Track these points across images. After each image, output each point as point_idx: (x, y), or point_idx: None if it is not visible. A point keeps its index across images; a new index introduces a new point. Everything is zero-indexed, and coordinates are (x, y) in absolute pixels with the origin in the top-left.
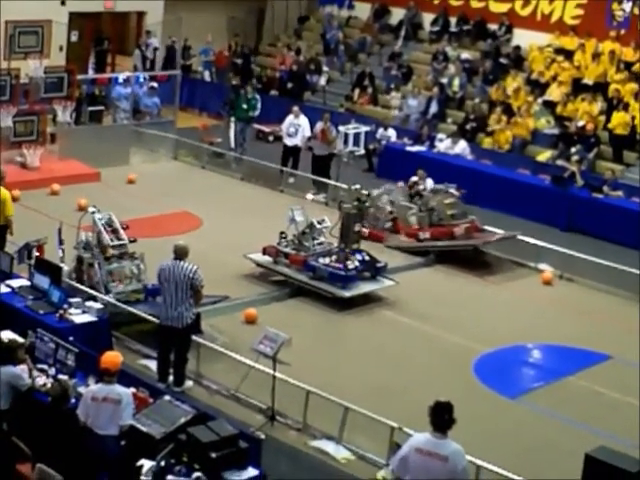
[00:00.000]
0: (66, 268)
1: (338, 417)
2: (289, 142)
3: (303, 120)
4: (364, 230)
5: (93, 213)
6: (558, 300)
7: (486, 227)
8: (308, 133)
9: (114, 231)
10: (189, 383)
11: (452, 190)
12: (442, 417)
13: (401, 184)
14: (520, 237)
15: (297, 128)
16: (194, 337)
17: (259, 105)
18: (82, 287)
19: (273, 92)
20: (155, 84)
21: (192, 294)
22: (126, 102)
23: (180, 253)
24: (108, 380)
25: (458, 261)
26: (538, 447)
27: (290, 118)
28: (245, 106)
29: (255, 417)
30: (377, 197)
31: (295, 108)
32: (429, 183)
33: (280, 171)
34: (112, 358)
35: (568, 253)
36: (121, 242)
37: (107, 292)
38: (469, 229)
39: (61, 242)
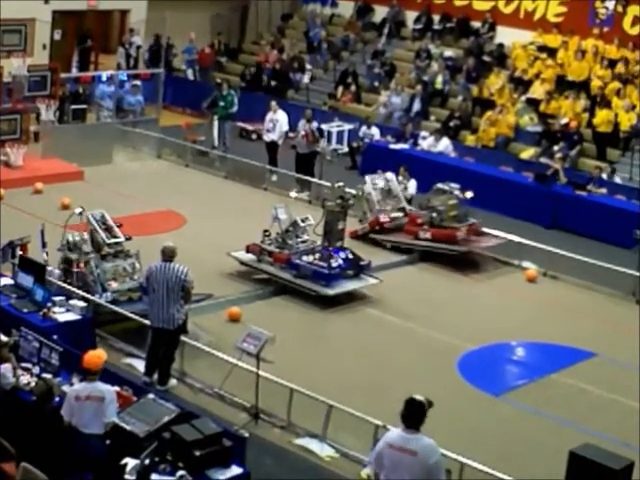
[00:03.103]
0: (56, 271)
1: (322, 415)
2: (267, 138)
3: (281, 115)
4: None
5: (80, 214)
6: (542, 298)
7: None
8: (285, 128)
9: (108, 229)
10: (173, 382)
11: (456, 191)
12: (412, 414)
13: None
14: (503, 235)
15: (275, 123)
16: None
17: (236, 101)
18: (75, 290)
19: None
20: (138, 82)
21: (182, 295)
22: (109, 100)
23: (170, 254)
24: (91, 378)
25: (442, 259)
26: (522, 445)
27: (269, 114)
28: (222, 103)
29: (239, 415)
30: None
31: (273, 103)
32: (412, 184)
33: (269, 170)
34: (93, 357)
35: (552, 251)
36: (117, 240)
37: (104, 291)
38: (469, 232)
39: (44, 244)
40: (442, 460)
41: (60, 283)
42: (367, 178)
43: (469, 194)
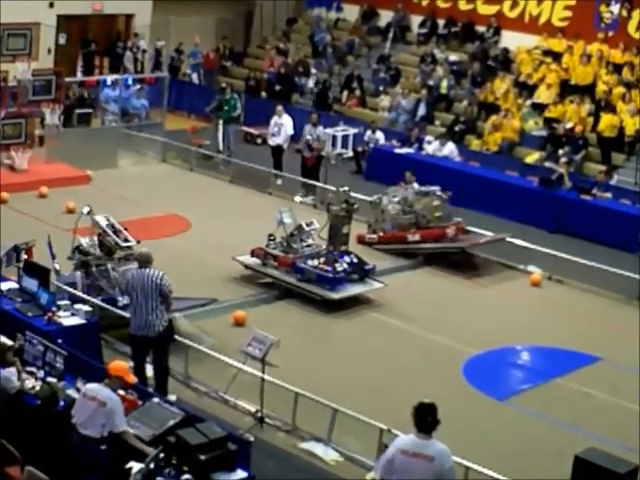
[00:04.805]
0: (78, 273)
1: (327, 419)
2: (272, 142)
3: (286, 119)
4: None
5: (88, 214)
6: (547, 302)
7: (472, 229)
8: (290, 132)
9: (116, 232)
10: (172, 397)
11: (438, 192)
12: (425, 419)
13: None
14: (508, 239)
15: (280, 127)
16: (182, 340)
17: (239, 104)
18: (95, 300)
19: (262, 94)
20: (144, 86)
21: (162, 300)
22: (114, 104)
23: (145, 260)
24: (105, 383)
25: (446, 263)
26: (527, 449)
27: (275, 118)
28: (226, 107)
29: (244, 419)
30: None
31: (279, 107)
32: (415, 187)
33: (274, 175)
34: (120, 370)
35: (557, 255)
36: (130, 243)
37: (122, 294)
38: (457, 231)
39: (53, 256)
40: (454, 465)
41: (78, 293)
42: (389, 190)
43: (449, 193)
